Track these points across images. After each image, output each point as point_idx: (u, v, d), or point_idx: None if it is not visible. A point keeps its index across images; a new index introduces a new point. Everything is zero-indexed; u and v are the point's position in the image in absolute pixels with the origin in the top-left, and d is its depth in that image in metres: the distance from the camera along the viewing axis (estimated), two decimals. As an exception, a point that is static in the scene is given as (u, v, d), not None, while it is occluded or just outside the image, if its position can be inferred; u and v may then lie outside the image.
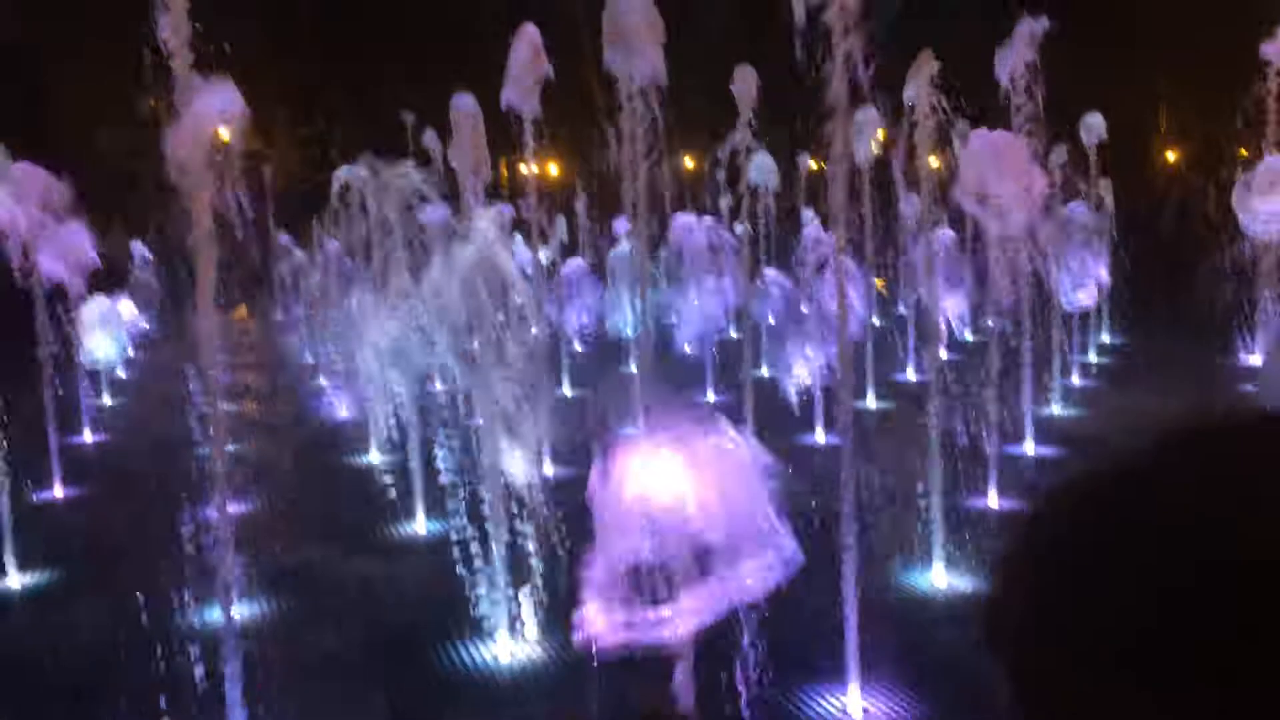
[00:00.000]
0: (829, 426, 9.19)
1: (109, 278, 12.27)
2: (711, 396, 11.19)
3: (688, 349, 11.74)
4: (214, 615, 4.84)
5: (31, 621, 6.43)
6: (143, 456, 9.75)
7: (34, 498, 8.33)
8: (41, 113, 24.41)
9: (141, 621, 5.64)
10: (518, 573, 5.45)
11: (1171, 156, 33.04)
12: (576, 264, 14.29)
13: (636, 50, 6.40)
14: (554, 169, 33.04)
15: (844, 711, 4.61)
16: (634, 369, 9.86)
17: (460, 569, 5.51)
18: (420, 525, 7.50)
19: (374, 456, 9.36)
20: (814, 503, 6.17)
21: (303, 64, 29.48)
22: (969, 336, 12.58)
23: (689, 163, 28.88)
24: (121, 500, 8.49)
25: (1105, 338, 14.55)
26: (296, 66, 29.23)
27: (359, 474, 9.22)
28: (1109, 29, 31.70)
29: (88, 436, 10.91)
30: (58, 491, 8.72)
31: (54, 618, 6.23)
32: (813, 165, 18.25)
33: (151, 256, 18.21)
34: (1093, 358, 13.31)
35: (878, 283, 13.49)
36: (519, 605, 5.39)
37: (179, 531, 5.86)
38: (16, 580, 6.76)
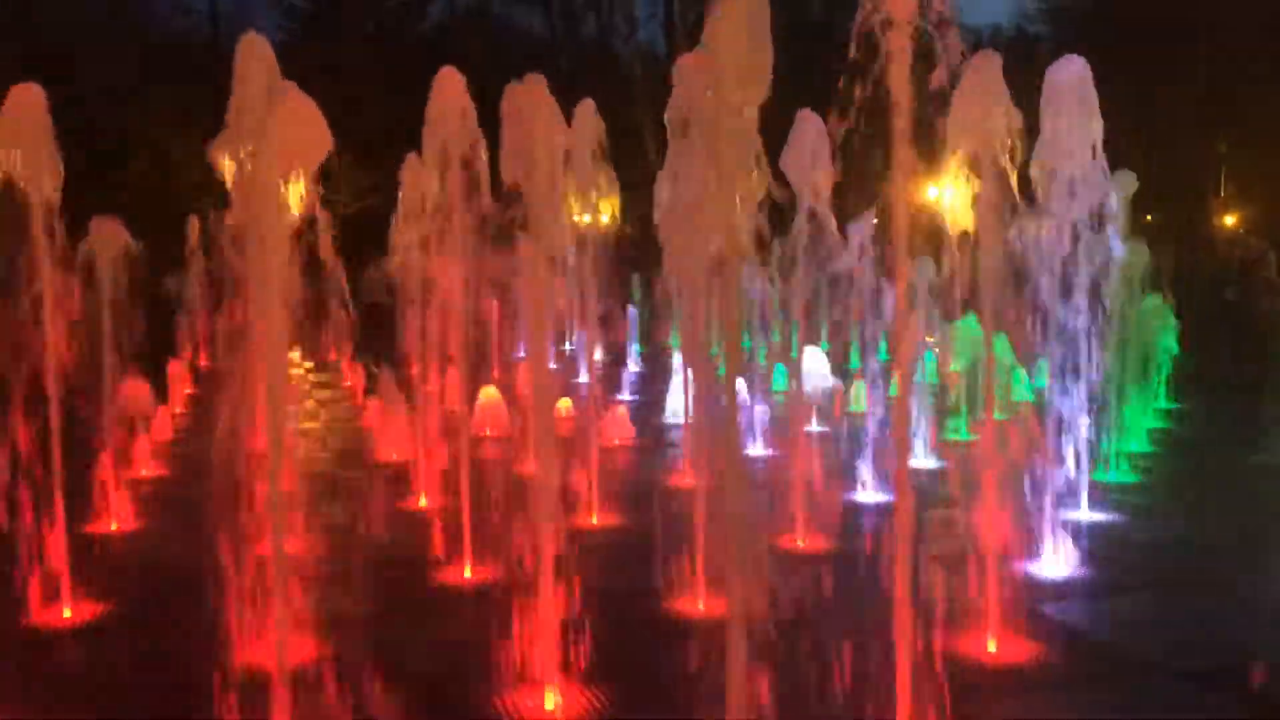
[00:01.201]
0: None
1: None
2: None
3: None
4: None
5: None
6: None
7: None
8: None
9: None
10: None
11: (1231, 220, 32.60)
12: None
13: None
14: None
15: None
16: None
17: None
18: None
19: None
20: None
21: (366, 113, 30.17)
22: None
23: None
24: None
25: (1163, 403, 14.28)
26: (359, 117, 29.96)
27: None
28: (1170, 89, 31.58)
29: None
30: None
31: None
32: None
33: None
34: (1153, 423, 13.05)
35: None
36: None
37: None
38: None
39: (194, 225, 20.12)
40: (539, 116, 7.07)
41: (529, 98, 7.07)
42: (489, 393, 13.24)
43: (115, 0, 34.71)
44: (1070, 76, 7.47)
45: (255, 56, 7.11)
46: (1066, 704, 5.52)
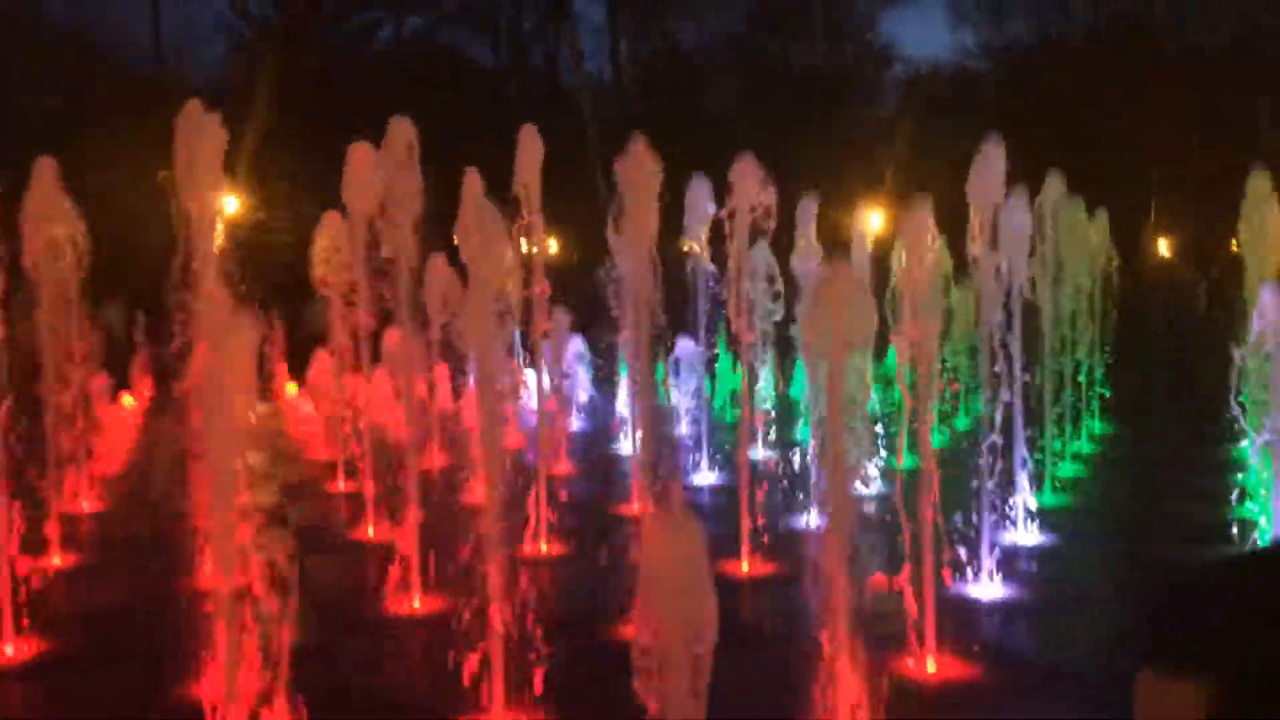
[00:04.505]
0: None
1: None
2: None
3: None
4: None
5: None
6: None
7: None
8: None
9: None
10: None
11: (1164, 246, 33.54)
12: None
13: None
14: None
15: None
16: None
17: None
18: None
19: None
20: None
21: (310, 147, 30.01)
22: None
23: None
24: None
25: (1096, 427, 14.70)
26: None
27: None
28: (1106, 120, 32.54)
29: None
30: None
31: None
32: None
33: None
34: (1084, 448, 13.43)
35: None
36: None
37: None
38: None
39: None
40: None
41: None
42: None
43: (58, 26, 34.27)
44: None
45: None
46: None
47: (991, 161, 7.87)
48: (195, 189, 6.84)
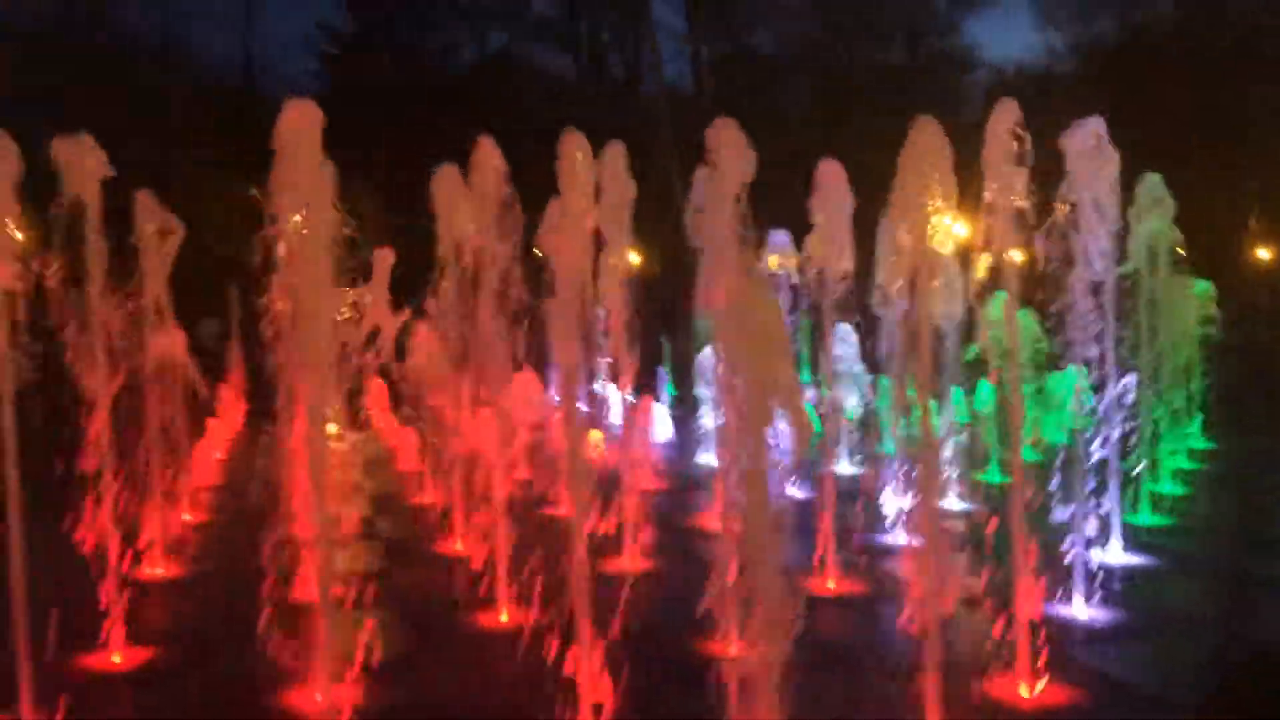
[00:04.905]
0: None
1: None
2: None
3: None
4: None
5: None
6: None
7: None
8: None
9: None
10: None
11: (1265, 256, 32.30)
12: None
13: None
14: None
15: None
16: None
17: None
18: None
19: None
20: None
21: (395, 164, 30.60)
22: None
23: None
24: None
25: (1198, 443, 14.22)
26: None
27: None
28: (1200, 125, 31.50)
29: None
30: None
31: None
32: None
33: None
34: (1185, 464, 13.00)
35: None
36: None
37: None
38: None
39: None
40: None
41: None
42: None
43: (159, 44, 35.55)
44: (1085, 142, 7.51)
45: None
46: None
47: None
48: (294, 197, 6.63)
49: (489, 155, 7.97)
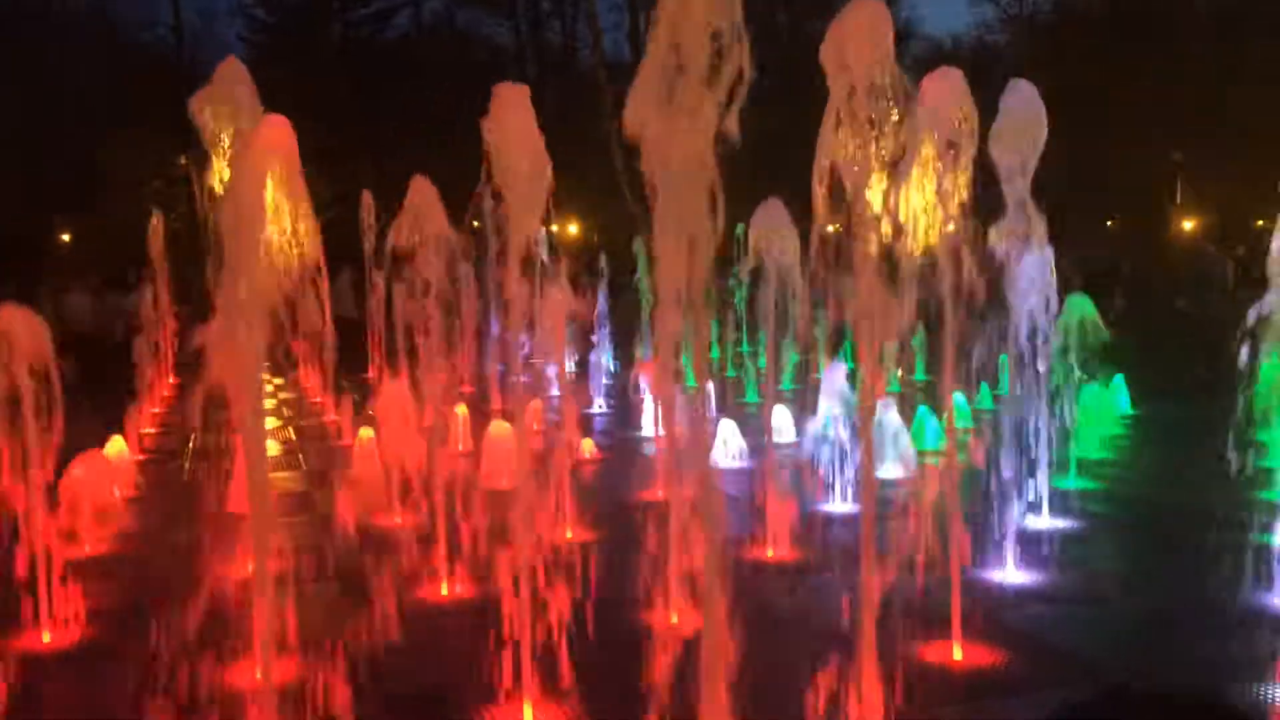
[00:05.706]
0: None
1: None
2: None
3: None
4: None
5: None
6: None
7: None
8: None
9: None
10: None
11: (1189, 226, 33.20)
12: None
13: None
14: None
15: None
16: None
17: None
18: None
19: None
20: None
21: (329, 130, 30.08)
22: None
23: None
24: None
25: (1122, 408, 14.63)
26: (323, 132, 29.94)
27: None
28: (1129, 95, 32.11)
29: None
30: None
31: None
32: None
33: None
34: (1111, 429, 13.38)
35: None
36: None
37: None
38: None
39: (156, 229, 19.28)
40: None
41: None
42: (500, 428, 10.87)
43: (88, 6, 34.50)
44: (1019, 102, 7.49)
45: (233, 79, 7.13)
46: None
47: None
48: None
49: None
